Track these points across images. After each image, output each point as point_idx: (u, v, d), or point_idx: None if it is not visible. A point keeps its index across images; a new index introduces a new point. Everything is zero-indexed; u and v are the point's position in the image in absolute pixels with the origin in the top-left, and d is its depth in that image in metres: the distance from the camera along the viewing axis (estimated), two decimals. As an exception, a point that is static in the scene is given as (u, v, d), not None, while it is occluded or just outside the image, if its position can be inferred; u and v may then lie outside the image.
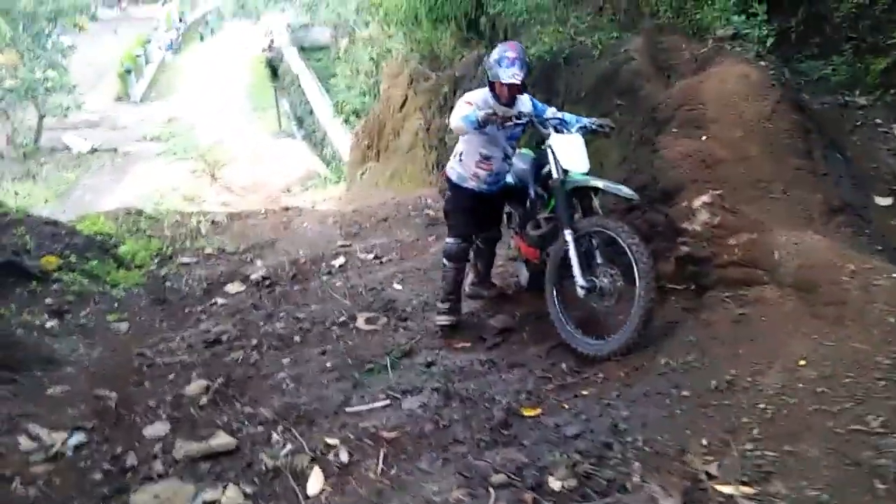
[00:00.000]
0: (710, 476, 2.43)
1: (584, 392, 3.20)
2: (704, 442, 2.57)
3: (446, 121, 10.36)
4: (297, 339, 4.29)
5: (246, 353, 4.06)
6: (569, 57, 6.90)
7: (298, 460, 2.78)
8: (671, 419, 2.74)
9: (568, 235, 3.69)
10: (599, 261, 3.66)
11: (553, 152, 3.84)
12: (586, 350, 3.57)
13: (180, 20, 46.99)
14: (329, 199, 15.13)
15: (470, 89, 9.68)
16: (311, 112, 32.41)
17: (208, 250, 7.23)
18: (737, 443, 2.53)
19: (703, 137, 4.07)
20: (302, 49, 41.87)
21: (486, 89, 4.06)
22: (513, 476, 2.58)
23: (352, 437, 2.95)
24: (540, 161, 4.27)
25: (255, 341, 4.24)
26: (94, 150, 24.11)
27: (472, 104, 3.95)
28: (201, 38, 47.06)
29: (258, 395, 3.50)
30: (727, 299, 3.30)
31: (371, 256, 6.66)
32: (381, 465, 2.77)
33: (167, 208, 11.31)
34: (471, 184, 4.23)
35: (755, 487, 2.32)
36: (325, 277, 5.98)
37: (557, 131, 3.94)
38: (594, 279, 3.62)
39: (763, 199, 3.71)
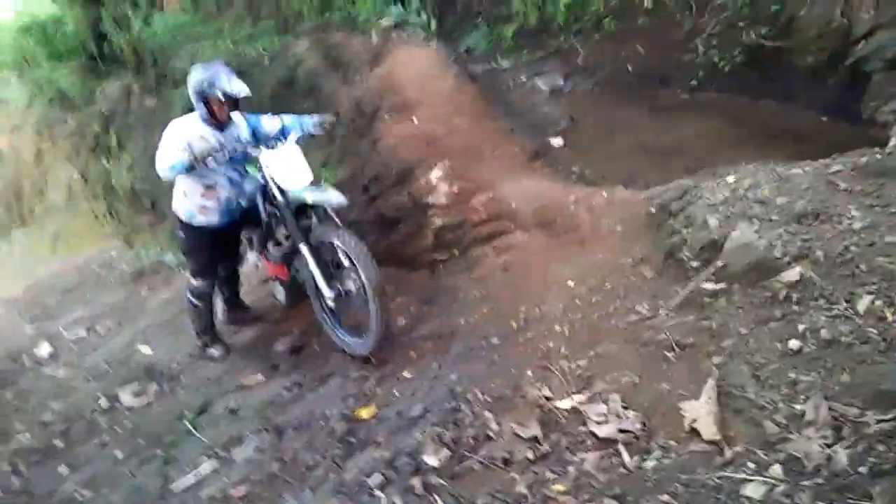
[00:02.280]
0: (547, 399, 2.78)
1: (407, 375, 3.33)
2: (530, 373, 2.91)
3: (106, 164, 9.38)
4: (58, 443, 3.60)
5: (3, 483, 3.29)
6: (237, 68, 6.76)
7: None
8: (494, 365, 3.03)
9: (304, 250, 3.68)
10: (346, 263, 3.60)
11: (267, 173, 3.70)
12: (354, 351, 3.66)
13: None
14: (-28, 289, 12.45)
15: (127, 125, 8.92)
16: None
17: None
18: (555, 364, 2.92)
19: (413, 119, 4.43)
20: None
21: (195, 114, 3.76)
22: (388, 472, 2.61)
23: (201, 511, 2.66)
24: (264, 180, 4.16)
25: (6, 467, 3.45)
26: None
27: (176, 145, 3.60)
28: None
29: (53, 520, 2.91)
30: (488, 253, 3.72)
31: (83, 332, 5.81)
32: (249, 523, 2.56)
33: None
34: (201, 219, 3.94)
35: (585, 393, 2.73)
36: (39, 371, 5.06)
37: (269, 147, 3.75)
38: (339, 286, 3.66)
39: (481, 160, 4.22)
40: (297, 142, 3.81)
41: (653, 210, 3.42)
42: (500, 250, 3.68)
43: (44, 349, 5.56)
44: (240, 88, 3.64)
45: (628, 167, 4.41)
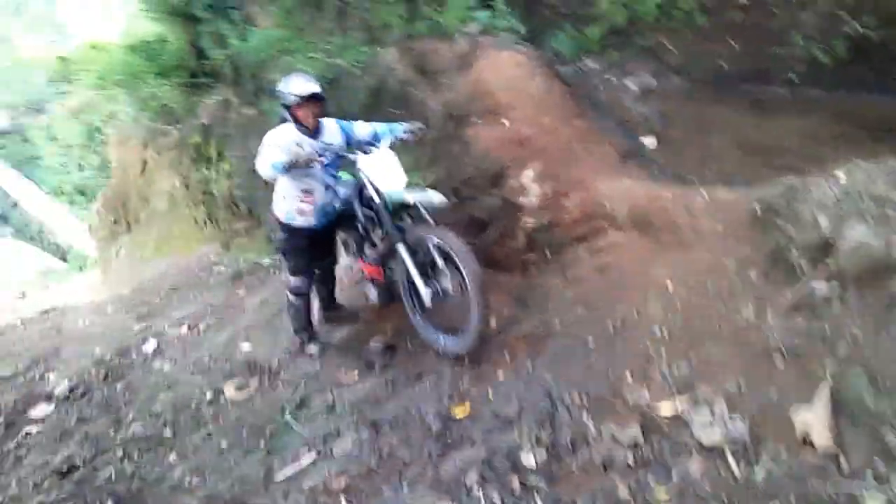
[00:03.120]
0: (648, 403, 2.71)
1: (500, 375, 3.34)
2: (629, 377, 2.85)
3: (206, 173, 9.87)
4: (167, 433, 3.82)
5: (117, 468, 3.52)
6: (331, 80, 6.98)
7: (264, 545, 2.53)
8: (591, 368, 2.98)
9: (402, 250, 3.76)
10: (441, 263, 3.66)
11: (365, 175, 3.86)
12: (448, 350, 3.67)
13: None
14: (84, 290, 13.41)
15: (226, 135, 9.36)
16: (16, 204, 28.37)
17: (-22, 384, 6.03)
18: (654, 368, 2.85)
19: (505, 122, 4.43)
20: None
21: (290, 123, 3.95)
22: (485, 470, 2.62)
23: (303, 500, 2.75)
24: (361, 183, 4.28)
25: (119, 452, 3.69)
26: None
27: (277, 146, 3.76)
28: None
29: (164, 501, 3.08)
30: (583, 254, 3.67)
31: (185, 329, 6.13)
32: (350, 514, 2.63)
33: None
34: (299, 221, 4.12)
35: (688, 398, 2.65)
36: (147, 366, 5.38)
37: (365, 153, 3.92)
38: (436, 283, 3.71)
39: (572, 160, 4.17)
40: (390, 147, 3.95)
41: (757, 210, 3.27)
42: (594, 251, 3.62)
43: (150, 345, 5.90)
44: (309, 88, 3.82)
45: (726, 166, 4.26)
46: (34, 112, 31.80)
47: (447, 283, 3.62)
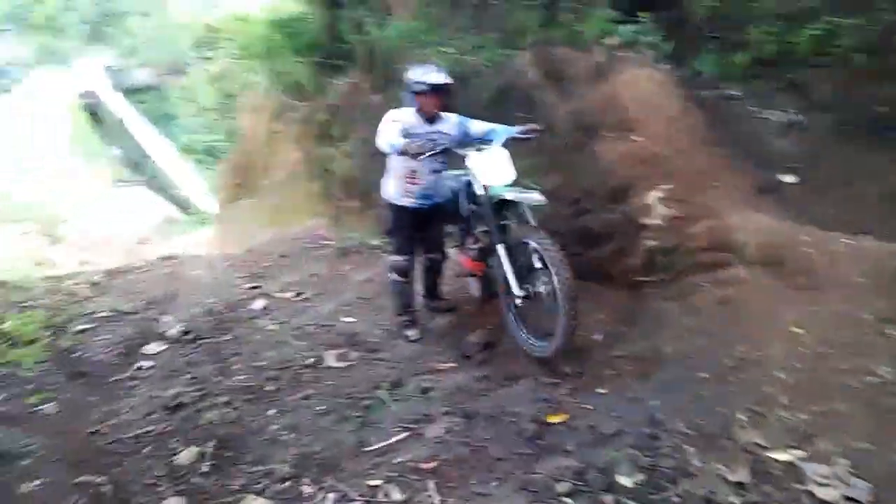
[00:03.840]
0: (760, 447, 2.59)
1: (601, 391, 3.28)
2: (742, 417, 2.73)
3: (327, 150, 10.22)
4: (269, 388, 3.99)
5: (221, 412, 3.71)
6: (460, 76, 7.05)
7: (351, 509, 2.60)
8: (701, 401, 2.88)
9: (500, 249, 3.84)
10: (538, 266, 3.67)
11: (472, 171, 3.98)
12: (535, 352, 3.70)
13: (-27, 75, 42.09)
14: (201, 244, 14.23)
15: (351, 118, 9.66)
16: (148, 156, 30.50)
17: (102, 313, 6.52)
18: (771, 412, 2.71)
19: (636, 138, 4.34)
20: (124, 92, 39.24)
21: (412, 109, 4.18)
22: (577, 482, 2.58)
23: (393, 474, 2.81)
24: (469, 179, 4.38)
25: (223, 398, 3.89)
26: None
27: (397, 122, 4.04)
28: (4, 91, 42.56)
29: (261, 451, 3.23)
30: (704, 283, 3.55)
31: (291, 295, 6.38)
32: (437, 496, 2.66)
33: (25, 275, 10.05)
34: (404, 201, 4.33)
35: (806, 449, 2.51)
36: (253, 323, 5.64)
37: (478, 150, 4.03)
38: (529, 287, 3.74)
39: (705, 187, 4.03)
40: (503, 145, 4.05)
41: (904, 266, 3.06)
42: (717, 283, 3.49)
43: (258, 304, 6.17)
44: (438, 78, 4.00)
45: (870, 216, 3.99)
46: (176, 73, 34.08)
47: (541, 287, 3.63)
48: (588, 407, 3.17)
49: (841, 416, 2.57)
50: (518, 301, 3.75)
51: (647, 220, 3.86)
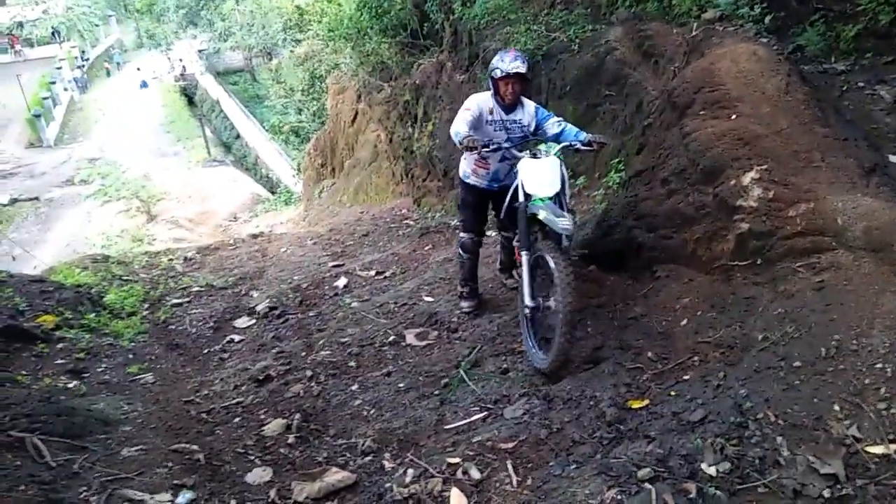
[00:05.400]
0: (856, 439, 2.45)
1: (686, 377, 3.19)
2: (837, 408, 2.59)
3: (410, 130, 10.31)
4: (352, 364, 4.12)
5: (306, 386, 3.87)
6: (547, 53, 6.95)
7: (430, 485, 2.65)
8: (793, 390, 2.75)
9: (524, 256, 3.90)
10: (550, 283, 3.71)
11: (520, 176, 4.00)
12: (533, 362, 3.74)
13: (82, 57, 44.90)
14: (287, 222, 14.73)
15: (435, 97, 9.66)
16: (238, 136, 31.70)
17: (196, 288, 6.89)
18: (868, 404, 2.56)
19: (733, 116, 4.14)
20: (217, 74, 40.90)
21: (490, 93, 4.27)
22: (659, 468, 2.53)
23: (472, 453, 2.84)
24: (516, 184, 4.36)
25: (308, 373, 4.05)
26: (13, 202, 22.73)
27: (469, 110, 4.17)
28: (108, 74, 45.21)
29: (344, 425, 3.35)
30: (800, 269, 3.36)
31: (373, 273, 6.53)
32: (514, 476, 2.67)
33: (125, 251, 10.73)
34: (472, 180, 4.50)
35: (906, 444, 2.36)
36: (336, 300, 5.81)
37: (534, 156, 4.06)
38: (540, 300, 3.78)
39: (806, 168, 3.80)
40: (564, 152, 4.12)
41: None
42: (815, 268, 3.30)
43: (341, 282, 6.37)
44: (515, 67, 4.05)
45: None
46: (266, 55, 35.18)
47: (552, 302, 3.66)
48: (672, 393, 3.09)
49: (948, 413, 2.40)
50: (527, 311, 3.84)
51: (740, 203, 3.68)
